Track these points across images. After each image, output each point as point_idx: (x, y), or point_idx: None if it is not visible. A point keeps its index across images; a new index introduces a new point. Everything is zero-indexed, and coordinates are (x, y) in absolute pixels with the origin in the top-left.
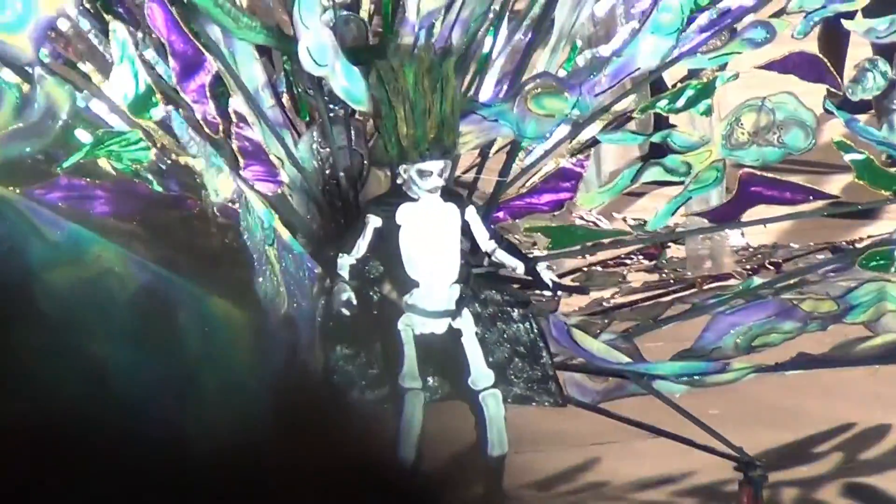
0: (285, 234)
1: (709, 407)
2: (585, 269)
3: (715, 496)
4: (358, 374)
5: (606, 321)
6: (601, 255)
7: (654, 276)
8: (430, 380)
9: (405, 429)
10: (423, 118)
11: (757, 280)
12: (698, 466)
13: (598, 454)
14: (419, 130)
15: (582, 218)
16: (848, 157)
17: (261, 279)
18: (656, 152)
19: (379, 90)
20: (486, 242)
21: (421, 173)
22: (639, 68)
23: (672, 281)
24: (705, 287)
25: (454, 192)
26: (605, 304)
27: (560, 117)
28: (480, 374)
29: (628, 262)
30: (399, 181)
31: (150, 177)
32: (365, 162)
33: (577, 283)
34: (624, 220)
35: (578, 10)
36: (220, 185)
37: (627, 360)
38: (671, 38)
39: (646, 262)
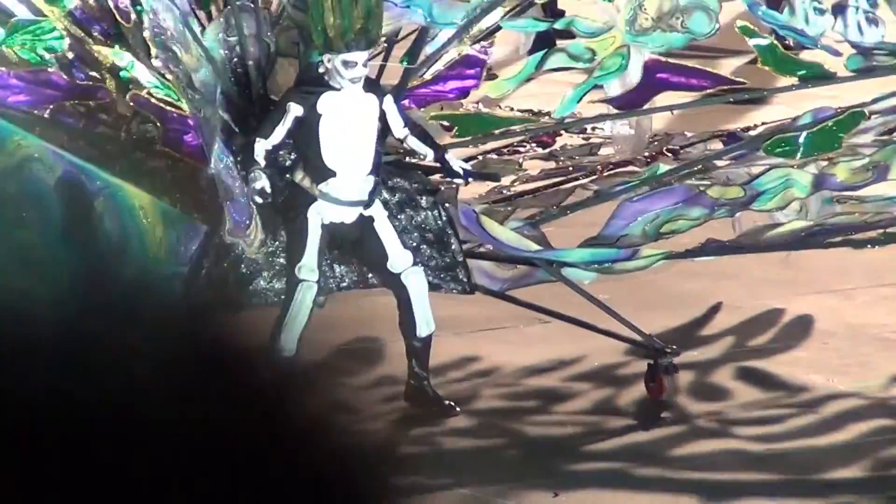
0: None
1: (601, 292)
2: (480, 156)
3: (608, 380)
4: (265, 263)
5: (510, 209)
6: (494, 144)
7: (551, 164)
8: (337, 268)
9: (291, 319)
10: (350, 8)
11: (663, 167)
12: (590, 351)
13: (494, 339)
14: (346, 21)
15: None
16: (752, 42)
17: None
18: (543, 43)
19: None
20: (400, 130)
21: (346, 63)
22: None
23: (570, 168)
24: (606, 174)
25: (374, 81)
26: (505, 191)
27: (474, 3)
28: (399, 255)
29: (521, 150)
30: (321, 70)
31: (59, 67)
32: (272, 51)
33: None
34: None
35: None
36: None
37: (536, 247)
38: None
39: (540, 150)
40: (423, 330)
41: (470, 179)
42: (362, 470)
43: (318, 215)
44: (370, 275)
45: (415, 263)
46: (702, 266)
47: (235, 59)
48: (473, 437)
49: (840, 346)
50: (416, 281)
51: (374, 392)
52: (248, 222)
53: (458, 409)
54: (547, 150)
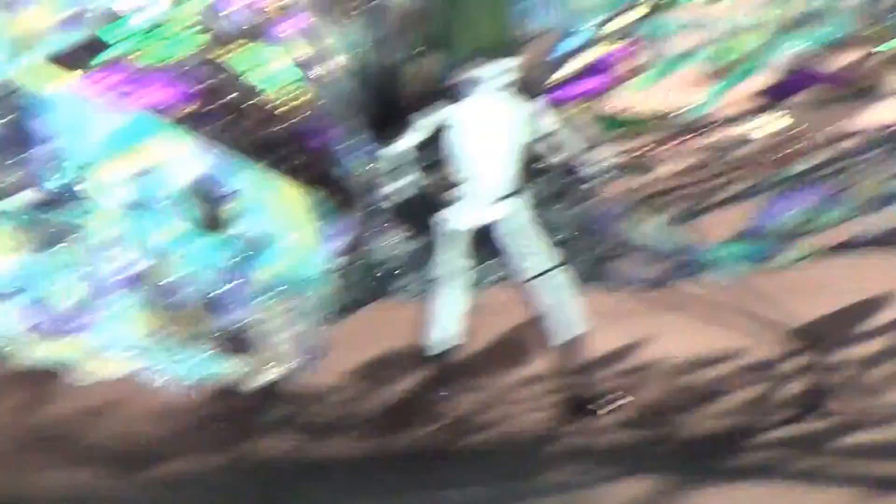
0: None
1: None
2: (626, 154)
3: (763, 375)
4: (407, 257)
5: (658, 205)
6: (638, 142)
7: (694, 160)
8: (482, 264)
9: (437, 315)
10: (487, 21)
11: (806, 164)
12: (746, 345)
13: (648, 332)
14: (483, 33)
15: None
16: None
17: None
18: None
19: None
20: (549, 124)
21: (484, 73)
22: None
23: (717, 165)
24: (754, 171)
25: (515, 85)
26: (653, 188)
27: (602, 7)
28: (543, 253)
29: (666, 147)
30: (461, 78)
31: (194, 67)
32: (410, 53)
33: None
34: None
35: None
36: None
37: (683, 243)
38: None
39: (684, 147)
40: (571, 329)
41: (611, 177)
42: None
43: (462, 215)
44: (516, 270)
45: (560, 262)
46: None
47: (372, 62)
48: (633, 430)
49: None
50: (561, 278)
51: (533, 386)
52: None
53: (608, 407)
54: (694, 148)
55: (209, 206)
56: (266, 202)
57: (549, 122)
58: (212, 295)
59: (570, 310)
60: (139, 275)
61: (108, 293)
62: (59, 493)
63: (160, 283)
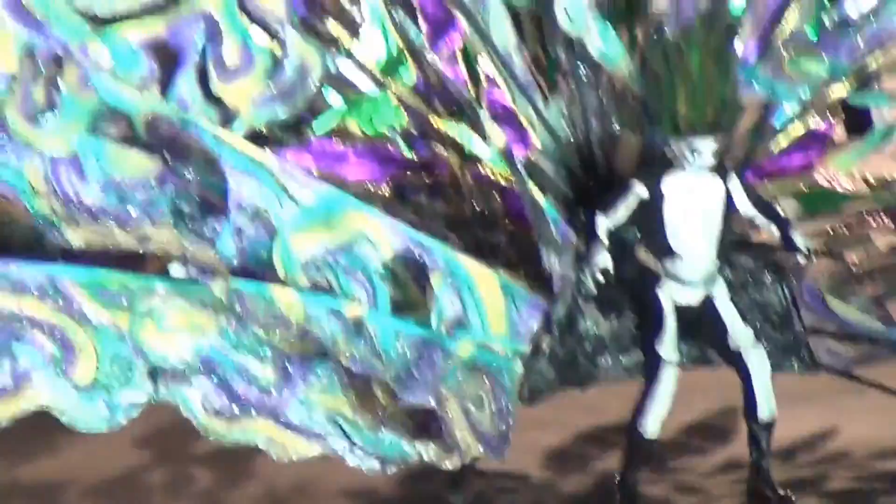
0: (540, 196)
1: None
2: (831, 231)
3: None
4: (610, 337)
5: (856, 286)
6: (844, 218)
7: None
8: (685, 345)
9: (656, 399)
10: (705, 99)
11: None
12: None
13: (843, 416)
14: (698, 111)
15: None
16: None
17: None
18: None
19: (660, 66)
20: (747, 207)
21: (694, 151)
22: None
23: None
24: None
25: (720, 162)
26: (853, 268)
27: (815, 79)
28: (740, 333)
29: (874, 224)
30: (668, 153)
31: (400, 141)
32: (615, 126)
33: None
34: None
35: None
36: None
37: (881, 326)
38: None
39: (892, 225)
40: (764, 412)
41: (813, 256)
42: None
43: (669, 295)
44: (710, 352)
45: (757, 343)
46: None
47: (578, 134)
48: None
49: None
50: (757, 360)
51: (729, 473)
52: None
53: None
54: None
55: (404, 284)
56: (462, 282)
57: (746, 198)
58: (403, 375)
59: (764, 393)
60: (328, 352)
61: (298, 374)
62: None
63: (351, 362)
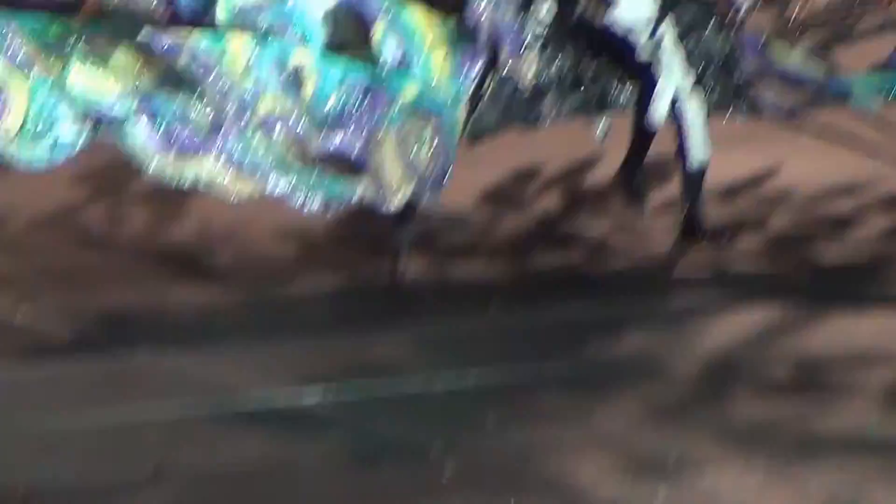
0: None
1: None
2: None
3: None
4: (555, 77)
5: (797, 34)
6: None
7: None
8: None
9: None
10: None
11: None
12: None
13: (782, 158)
14: None
15: None
16: None
17: None
18: None
19: None
20: None
21: None
22: None
23: None
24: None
25: None
26: (796, 17)
27: None
28: (681, 80)
29: None
30: None
31: None
32: None
33: None
34: None
35: None
36: None
37: (823, 74)
38: None
39: None
40: (697, 158)
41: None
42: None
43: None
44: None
45: (694, 89)
46: None
47: None
48: (764, 257)
49: None
50: (695, 108)
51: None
52: (521, 51)
53: (729, 237)
54: None
55: (346, 28)
56: (405, 28)
57: None
58: (344, 115)
59: (699, 139)
60: (271, 97)
61: (239, 115)
62: (182, 309)
63: (291, 104)
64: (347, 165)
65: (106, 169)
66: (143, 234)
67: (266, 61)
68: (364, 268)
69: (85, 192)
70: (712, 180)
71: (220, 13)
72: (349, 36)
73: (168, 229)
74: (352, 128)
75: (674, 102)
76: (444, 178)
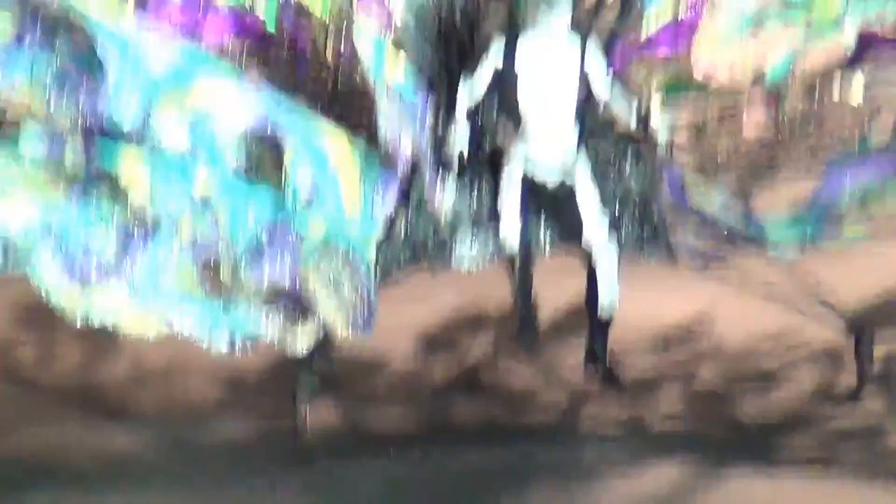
0: (399, 75)
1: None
2: (701, 121)
3: (819, 357)
4: (468, 216)
5: (719, 172)
6: (720, 104)
7: (771, 129)
8: (541, 233)
9: (517, 281)
10: None
11: (877, 136)
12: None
13: (703, 307)
14: None
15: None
16: None
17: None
18: None
19: None
20: (602, 88)
21: (549, 5)
22: None
23: (787, 133)
24: (823, 142)
25: (579, 22)
26: (719, 158)
27: None
28: (595, 229)
29: (734, 114)
30: (524, 9)
31: (264, 11)
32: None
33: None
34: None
35: None
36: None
37: (740, 219)
38: None
39: (763, 114)
40: (605, 309)
41: (673, 146)
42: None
43: (521, 172)
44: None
45: (610, 240)
46: None
47: (445, 8)
48: (685, 410)
49: None
50: (608, 258)
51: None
52: (438, 186)
53: (626, 388)
54: (771, 115)
55: (261, 154)
56: (318, 160)
57: (603, 71)
58: (253, 253)
59: (608, 290)
60: (182, 224)
61: (148, 243)
62: (104, 451)
63: (204, 234)
64: (263, 301)
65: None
66: (69, 372)
67: (171, 188)
68: (283, 411)
69: (13, 328)
70: (636, 328)
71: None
72: (262, 160)
73: (100, 369)
74: (264, 262)
75: (590, 251)
76: (369, 318)
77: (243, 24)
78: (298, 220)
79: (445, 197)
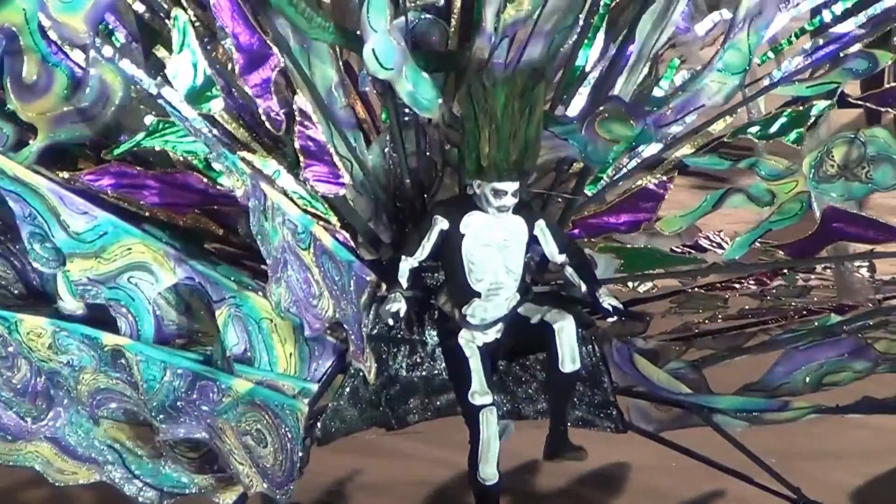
0: (328, 240)
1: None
2: (689, 290)
3: None
4: (422, 383)
5: (684, 348)
6: (711, 278)
7: (756, 304)
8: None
9: (485, 446)
10: (508, 141)
11: (835, 317)
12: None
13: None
14: (501, 153)
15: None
16: None
17: (274, 286)
18: None
19: (466, 107)
20: (556, 256)
21: (496, 192)
22: (703, 105)
23: (766, 311)
24: (798, 319)
25: (525, 204)
26: (694, 328)
27: (624, 144)
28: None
29: (737, 286)
30: (470, 192)
31: (206, 171)
32: (438, 168)
33: (639, 310)
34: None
35: (660, 32)
36: (234, 185)
37: (688, 391)
38: (737, 78)
39: (753, 288)
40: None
41: (621, 316)
42: None
43: (471, 341)
44: (525, 406)
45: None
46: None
47: (398, 175)
48: None
49: None
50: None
51: None
52: (363, 348)
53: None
54: (760, 290)
55: (186, 316)
56: (250, 318)
57: (556, 247)
58: (168, 407)
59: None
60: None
61: (70, 399)
62: None
63: (125, 392)
64: (190, 456)
65: None
66: None
67: (91, 343)
68: None
69: None
70: None
71: (60, 286)
72: (196, 319)
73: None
74: (179, 417)
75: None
76: (290, 475)
77: (187, 185)
78: (221, 376)
79: (370, 363)
